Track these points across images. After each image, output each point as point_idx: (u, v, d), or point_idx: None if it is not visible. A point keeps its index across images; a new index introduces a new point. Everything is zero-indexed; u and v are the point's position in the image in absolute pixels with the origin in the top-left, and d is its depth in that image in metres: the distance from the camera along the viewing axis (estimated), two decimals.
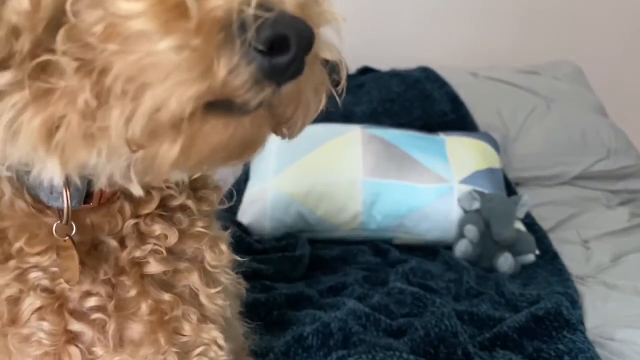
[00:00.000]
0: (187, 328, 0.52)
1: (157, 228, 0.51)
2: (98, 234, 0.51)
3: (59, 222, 0.48)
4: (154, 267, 0.51)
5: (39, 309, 0.48)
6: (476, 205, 1.43)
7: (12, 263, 0.48)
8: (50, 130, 0.36)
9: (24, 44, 0.35)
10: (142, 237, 0.51)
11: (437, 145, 1.60)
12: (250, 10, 0.33)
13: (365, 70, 2.04)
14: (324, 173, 1.51)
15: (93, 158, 0.37)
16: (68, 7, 0.34)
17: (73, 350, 0.49)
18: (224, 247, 0.56)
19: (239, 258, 0.60)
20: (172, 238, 0.51)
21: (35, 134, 0.36)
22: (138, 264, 0.51)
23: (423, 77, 1.90)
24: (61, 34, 0.35)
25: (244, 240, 1.39)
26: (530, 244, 1.40)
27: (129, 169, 0.39)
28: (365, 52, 2.08)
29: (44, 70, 0.36)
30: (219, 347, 0.55)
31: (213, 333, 0.54)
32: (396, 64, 2.00)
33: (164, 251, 0.51)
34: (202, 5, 0.33)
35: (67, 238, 0.48)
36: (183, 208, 0.54)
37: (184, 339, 0.52)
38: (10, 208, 0.48)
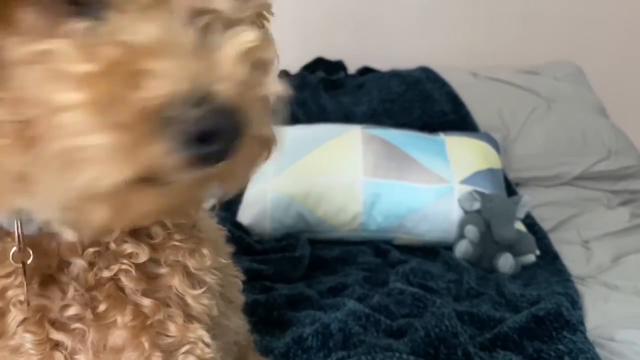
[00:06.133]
0: (172, 329, 0.53)
1: (128, 247, 0.52)
2: (66, 256, 0.51)
3: (15, 248, 0.49)
4: (126, 282, 0.52)
5: (23, 321, 0.50)
6: (476, 205, 1.43)
7: None
8: None
9: None
10: (114, 256, 0.52)
11: (438, 146, 1.60)
12: (180, 104, 0.35)
13: (365, 70, 2.04)
14: (324, 173, 1.51)
15: (25, 204, 0.40)
16: None
17: (58, 356, 0.51)
18: (205, 251, 0.56)
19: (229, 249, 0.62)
20: (142, 256, 0.52)
21: None
22: (112, 278, 0.52)
23: (423, 78, 1.90)
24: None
25: (244, 241, 1.39)
26: (530, 244, 1.40)
27: (60, 221, 0.42)
28: (365, 52, 2.08)
29: None
30: (206, 344, 0.55)
31: (199, 332, 0.55)
32: (396, 64, 1.99)
33: (133, 270, 0.52)
34: (135, 96, 0.35)
35: (20, 264, 0.49)
36: (159, 222, 0.54)
37: (170, 339, 0.53)
38: None
